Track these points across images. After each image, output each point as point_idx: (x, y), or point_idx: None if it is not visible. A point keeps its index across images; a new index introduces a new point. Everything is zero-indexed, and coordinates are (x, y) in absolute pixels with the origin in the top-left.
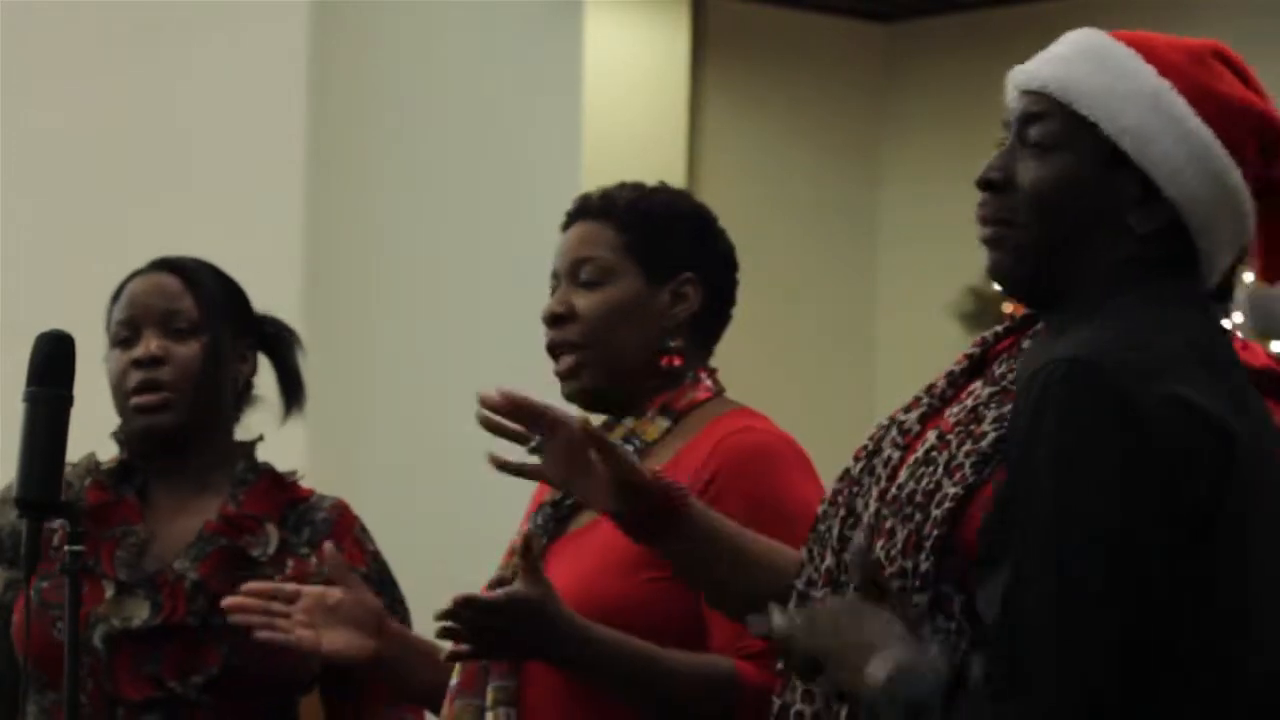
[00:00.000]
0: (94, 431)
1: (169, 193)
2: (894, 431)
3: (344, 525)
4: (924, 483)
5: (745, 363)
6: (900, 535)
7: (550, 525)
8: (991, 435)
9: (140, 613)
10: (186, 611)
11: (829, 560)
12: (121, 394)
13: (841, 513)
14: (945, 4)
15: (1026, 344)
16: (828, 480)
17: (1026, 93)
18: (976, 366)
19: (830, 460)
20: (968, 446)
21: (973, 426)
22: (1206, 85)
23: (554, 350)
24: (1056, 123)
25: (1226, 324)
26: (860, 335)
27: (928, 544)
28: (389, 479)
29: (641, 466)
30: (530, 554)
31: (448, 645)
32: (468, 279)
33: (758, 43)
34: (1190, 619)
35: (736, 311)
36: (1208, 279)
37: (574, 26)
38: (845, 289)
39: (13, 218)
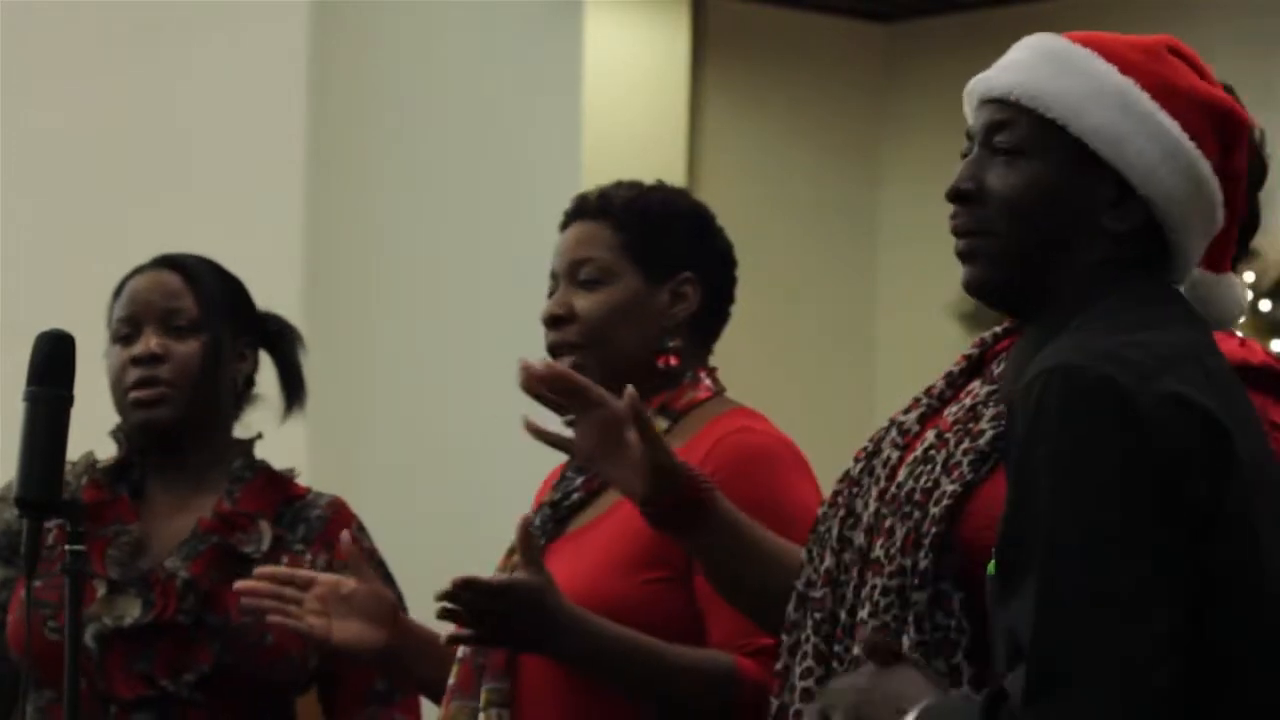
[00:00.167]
0: (94, 431)
1: (169, 193)
2: (893, 432)
3: (340, 522)
4: (923, 481)
5: (745, 363)
6: (899, 533)
7: (549, 526)
8: (989, 433)
9: (132, 611)
10: (178, 609)
11: (829, 561)
12: (120, 390)
13: (841, 513)
14: (945, 4)
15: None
16: (827, 480)
17: (988, 101)
18: (975, 367)
19: (830, 461)
20: (966, 445)
21: (971, 425)
22: (1168, 80)
23: (554, 351)
24: (1024, 128)
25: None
26: (860, 335)
27: (926, 541)
28: (389, 478)
29: (674, 452)
30: (529, 545)
31: (447, 629)
32: (468, 279)
33: (758, 43)
34: (1199, 619)
35: (736, 311)
36: (1181, 273)
37: (574, 26)
38: (845, 289)
39: (13, 218)
